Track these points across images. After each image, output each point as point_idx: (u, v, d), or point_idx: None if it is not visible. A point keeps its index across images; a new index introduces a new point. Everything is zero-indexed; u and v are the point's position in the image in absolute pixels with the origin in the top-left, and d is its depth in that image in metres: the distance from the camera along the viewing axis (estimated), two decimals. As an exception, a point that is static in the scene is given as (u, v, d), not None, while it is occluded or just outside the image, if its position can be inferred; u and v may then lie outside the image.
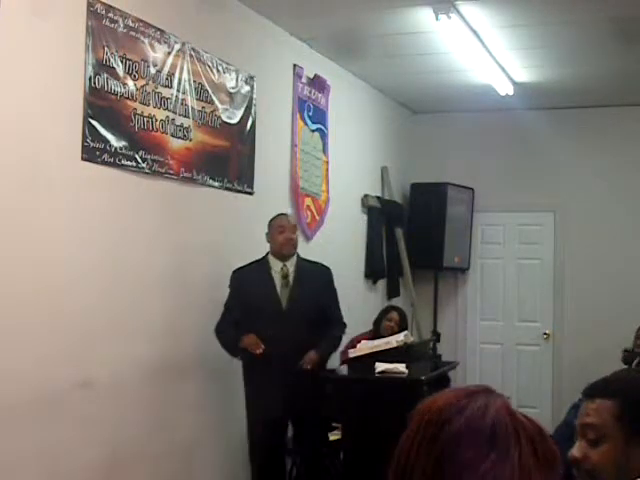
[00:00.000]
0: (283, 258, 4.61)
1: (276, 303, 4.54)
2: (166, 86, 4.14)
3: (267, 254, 4.64)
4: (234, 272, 4.55)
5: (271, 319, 4.45)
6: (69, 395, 3.50)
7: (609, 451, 1.74)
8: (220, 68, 4.65)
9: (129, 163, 3.86)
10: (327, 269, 4.80)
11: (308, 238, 5.79)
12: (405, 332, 5.22)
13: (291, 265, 4.62)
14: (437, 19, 4.77)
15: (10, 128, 3.21)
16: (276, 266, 4.60)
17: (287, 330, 4.39)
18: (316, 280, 4.66)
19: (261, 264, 4.62)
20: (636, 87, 6.72)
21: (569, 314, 7.58)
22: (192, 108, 4.36)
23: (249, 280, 4.54)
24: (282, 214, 4.77)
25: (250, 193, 4.98)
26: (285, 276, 4.59)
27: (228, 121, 4.72)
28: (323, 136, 6.08)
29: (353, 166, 6.70)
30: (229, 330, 4.47)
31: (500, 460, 1.01)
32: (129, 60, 3.84)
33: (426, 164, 7.86)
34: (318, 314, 4.57)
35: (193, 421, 4.47)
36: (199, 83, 4.44)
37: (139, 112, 3.92)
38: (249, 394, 4.55)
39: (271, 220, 4.68)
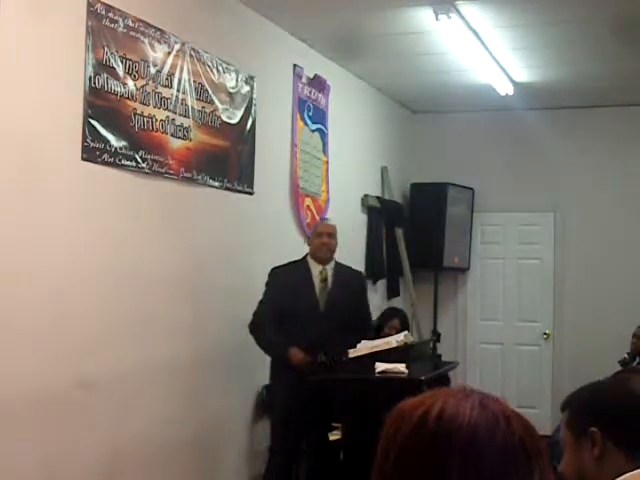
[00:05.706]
0: (321, 261, 4.75)
1: (314, 305, 4.66)
2: (166, 86, 4.14)
3: (306, 256, 4.80)
4: (273, 270, 4.67)
5: (307, 321, 4.55)
6: (70, 396, 3.50)
7: (567, 460, 1.82)
8: (220, 68, 4.65)
9: (129, 163, 3.86)
10: (360, 274, 5.09)
11: (308, 238, 5.78)
12: (405, 332, 5.21)
13: (330, 269, 4.77)
14: (437, 19, 4.77)
15: (10, 128, 3.20)
16: (315, 269, 4.74)
17: (322, 333, 4.49)
18: (351, 284, 4.84)
19: (300, 266, 4.75)
20: (636, 87, 6.72)
21: (569, 314, 7.58)
22: (192, 108, 4.35)
23: (289, 280, 4.64)
24: (326, 219, 5.18)
25: (250, 193, 4.98)
26: (324, 280, 4.73)
27: (228, 121, 4.72)
28: (323, 136, 6.08)
29: (353, 166, 6.69)
30: (269, 331, 4.55)
31: None
32: (129, 60, 3.84)
33: (426, 164, 7.86)
34: (351, 317, 4.69)
35: (193, 422, 4.47)
36: (199, 83, 4.44)
37: (139, 112, 3.92)
38: (277, 392, 4.65)
39: (315, 225, 5.05)
